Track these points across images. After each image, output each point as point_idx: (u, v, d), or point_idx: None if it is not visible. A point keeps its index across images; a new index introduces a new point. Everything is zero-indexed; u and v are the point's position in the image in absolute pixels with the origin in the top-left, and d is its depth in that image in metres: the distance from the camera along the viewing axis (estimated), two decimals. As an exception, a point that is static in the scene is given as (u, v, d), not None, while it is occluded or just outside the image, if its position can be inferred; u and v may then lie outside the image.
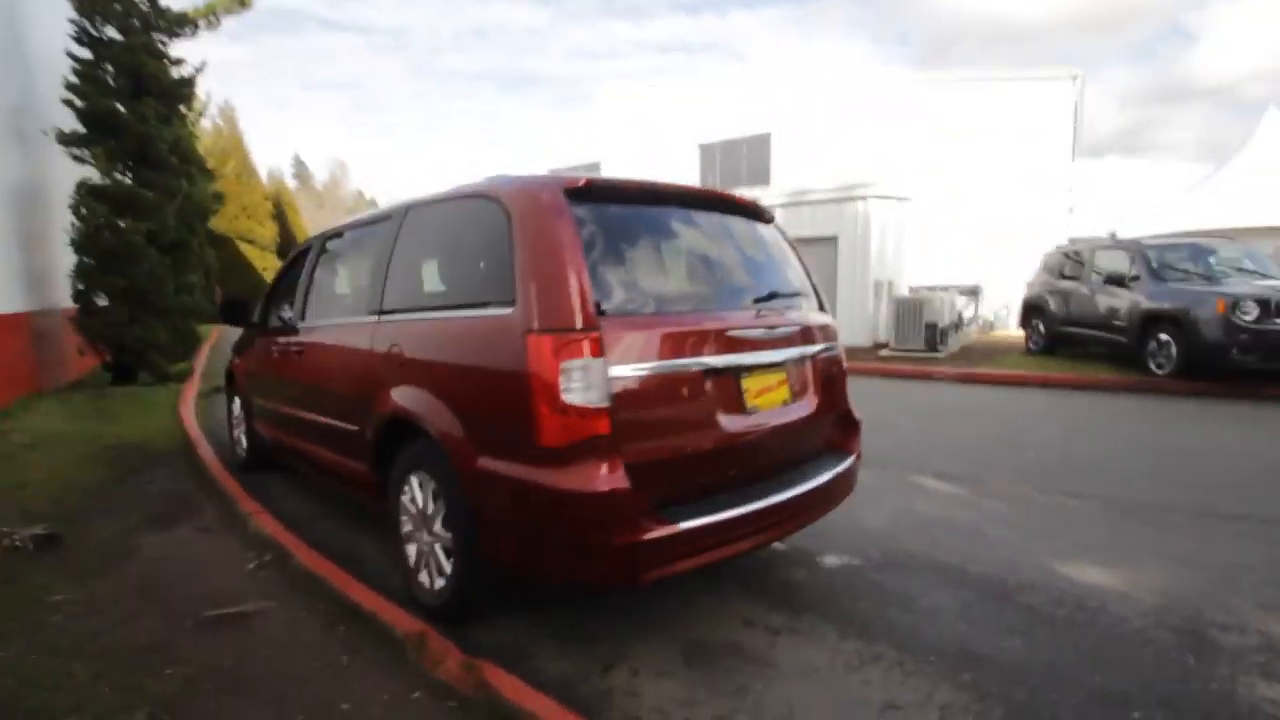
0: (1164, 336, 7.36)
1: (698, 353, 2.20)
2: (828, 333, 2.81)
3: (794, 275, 2.86)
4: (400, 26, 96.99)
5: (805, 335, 2.64)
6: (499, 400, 2.09)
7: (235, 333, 6.00)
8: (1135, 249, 8.26)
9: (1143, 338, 7.66)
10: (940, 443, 5.33)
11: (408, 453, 2.53)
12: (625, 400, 2.00)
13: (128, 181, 7.32)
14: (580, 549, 1.97)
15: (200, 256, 8.74)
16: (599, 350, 1.96)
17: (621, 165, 23.04)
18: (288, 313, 3.75)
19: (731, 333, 2.31)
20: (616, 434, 1.95)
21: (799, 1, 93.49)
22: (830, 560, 3.01)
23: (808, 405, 2.61)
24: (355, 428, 2.84)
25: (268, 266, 30.70)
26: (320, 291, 3.50)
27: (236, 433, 4.69)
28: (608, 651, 2.26)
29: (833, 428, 2.83)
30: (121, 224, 7.00)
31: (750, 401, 2.35)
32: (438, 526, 2.40)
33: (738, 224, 2.72)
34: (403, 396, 2.49)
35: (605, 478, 1.92)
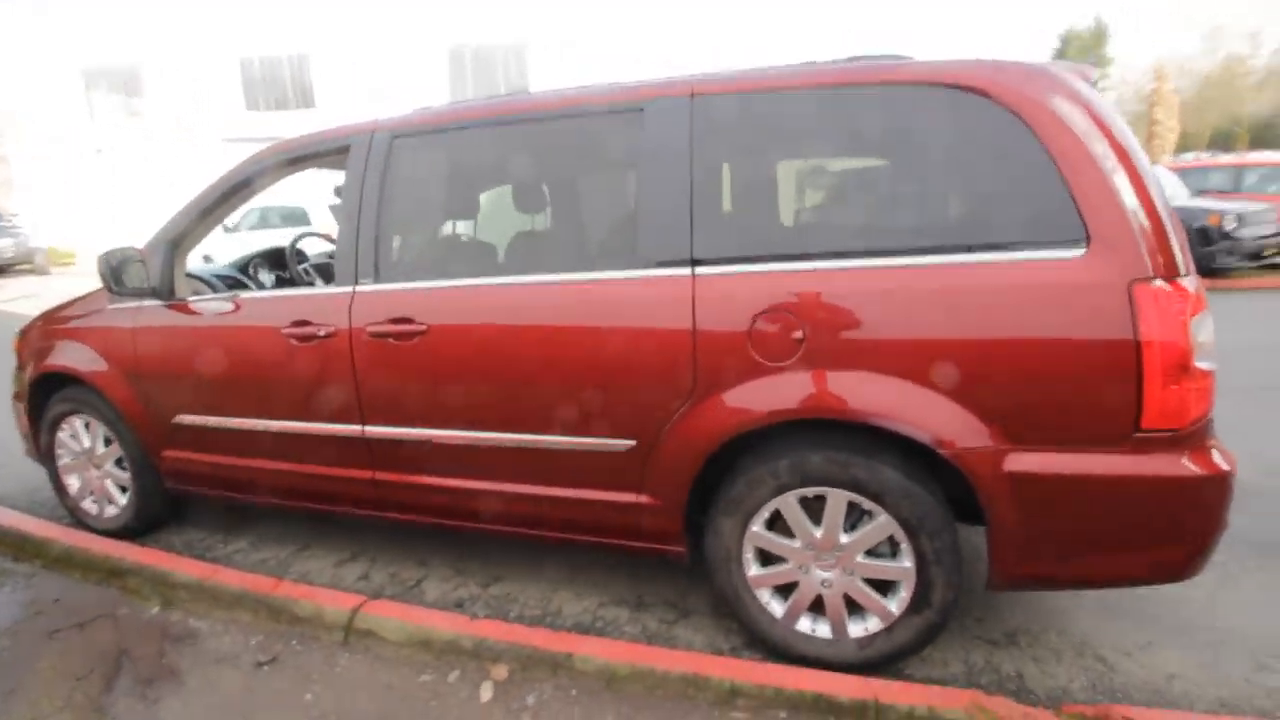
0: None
1: None
2: None
3: None
4: None
5: None
6: (1063, 379, 1.56)
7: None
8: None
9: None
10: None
11: (783, 466, 1.77)
12: None
13: None
14: (1190, 540, 1.62)
15: None
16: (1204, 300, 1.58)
17: (341, 62, 18.97)
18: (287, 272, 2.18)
19: None
20: None
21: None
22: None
23: None
24: (630, 443, 1.88)
25: None
26: (427, 232, 2.09)
27: (87, 480, 2.75)
28: (1075, 643, 1.98)
29: None
30: None
31: None
32: (859, 557, 1.78)
33: None
34: (814, 388, 1.70)
35: (1227, 453, 1.60)
